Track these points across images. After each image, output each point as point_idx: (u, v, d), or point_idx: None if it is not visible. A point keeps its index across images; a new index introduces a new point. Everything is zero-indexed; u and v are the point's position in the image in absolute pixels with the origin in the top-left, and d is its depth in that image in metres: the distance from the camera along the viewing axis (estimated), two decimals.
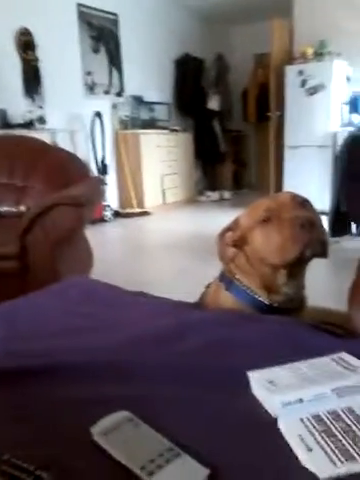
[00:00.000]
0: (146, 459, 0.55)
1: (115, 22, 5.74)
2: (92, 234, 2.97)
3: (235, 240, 1.06)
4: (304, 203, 1.00)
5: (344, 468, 0.53)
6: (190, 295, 1.24)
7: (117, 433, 0.60)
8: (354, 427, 0.60)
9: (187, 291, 1.33)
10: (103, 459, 0.57)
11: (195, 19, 7.07)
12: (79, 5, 5.22)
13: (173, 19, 6.66)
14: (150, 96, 6.21)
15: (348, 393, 0.65)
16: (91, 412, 0.63)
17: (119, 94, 5.88)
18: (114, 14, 5.69)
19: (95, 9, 5.43)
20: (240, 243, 1.05)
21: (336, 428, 0.59)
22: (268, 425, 0.62)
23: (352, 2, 5.45)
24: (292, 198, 1.00)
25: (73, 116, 5.20)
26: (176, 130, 6.40)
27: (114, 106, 5.81)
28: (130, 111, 5.93)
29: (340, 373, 0.70)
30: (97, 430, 0.60)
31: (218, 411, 0.66)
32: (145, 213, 5.75)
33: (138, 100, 6.05)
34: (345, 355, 0.75)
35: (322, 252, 0.97)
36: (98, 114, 5.31)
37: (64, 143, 4.63)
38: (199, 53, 6.96)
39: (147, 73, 6.27)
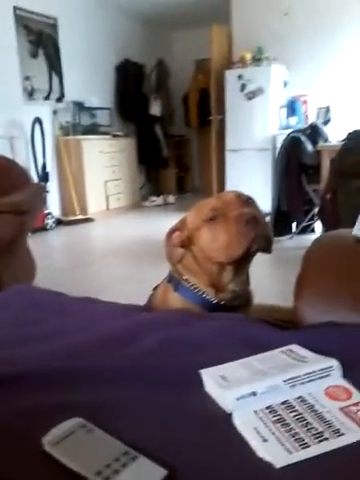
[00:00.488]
0: (101, 465, 0.54)
1: (54, 26, 5.63)
2: (34, 243, 2.88)
3: (182, 240, 1.06)
4: (248, 201, 1.03)
5: (299, 455, 0.54)
6: (138, 299, 1.23)
7: (69, 441, 0.58)
8: (306, 415, 0.61)
9: (135, 296, 1.32)
10: (56, 469, 0.55)
11: (135, 24, 7.08)
12: (16, 8, 5.07)
13: (113, 24, 6.62)
14: (91, 101, 6.13)
15: (299, 383, 0.67)
16: (44, 421, 0.61)
17: (59, 100, 5.77)
18: (53, 18, 5.58)
19: (33, 13, 5.29)
20: (187, 243, 1.06)
21: (289, 417, 0.61)
22: (223, 421, 0.62)
23: (284, 10, 5.67)
24: (237, 196, 1.02)
25: (12, 122, 5.05)
26: (118, 135, 6.36)
27: (55, 112, 5.68)
28: (71, 117, 5.83)
29: (291, 364, 0.71)
30: (48, 439, 0.58)
31: (173, 411, 0.65)
32: (88, 220, 5.66)
33: (79, 106, 5.96)
34: (294, 347, 0.77)
35: (267, 247, 1.00)
36: (38, 120, 5.18)
37: (3, 150, 4.47)
38: (140, 58, 6.96)
39: (88, 78, 6.20)
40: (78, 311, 1.01)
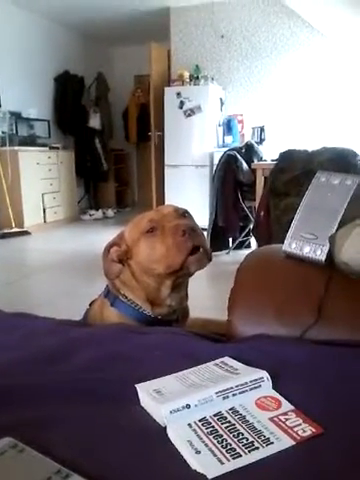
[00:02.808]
0: None
1: None
2: None
3: (120, 255, 1.07)
4: (185, 214, 1.05)
5: (230, 465, 0.55)
6: (75, 314, 1.22)
7: (0, 462, 0.56)
8: (238, 425, 0.63)
9: (71, 311, 1.31)
10: None
11: (76, 37, 7.05)
12: None
13: (54, 36, 6.56)
14: (29, 112, 6.00)
15: (231, 394, 0.69)
16: None
17: None
18: None
19: None
20: (125, 257, 1.06)
21: (222, 428, 0.62)
22: (158, 434, 0.63)
23: (220, 33, 5.89)
24: (174, 210, 1.05)
25: None
26: (57, 147, 6.26)
27: None
28: (8, 127, 5.66)
29: (223, 376, 0.73)
30: None
31: (107, 427, 0.65)
32: (24, 233, 5.50)
33: (16, 116, 5.81)
34: (227, 359, 0.79)
35: (205, 257, 1.02)
36: None
37: None
38: (79, 71, 6.92)
39: (26, 89, 6.08)
40: (11, 327, 0.98)
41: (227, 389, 0.69)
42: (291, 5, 5.23)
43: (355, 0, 4.06)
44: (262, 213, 3.11)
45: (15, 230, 5.46)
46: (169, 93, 5.61)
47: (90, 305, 1.23)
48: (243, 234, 4.36)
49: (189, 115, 5.53)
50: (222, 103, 5.88)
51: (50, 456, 0.57)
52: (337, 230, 1.00)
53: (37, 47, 6.25)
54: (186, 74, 5.65)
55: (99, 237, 4.82)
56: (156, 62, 5.83)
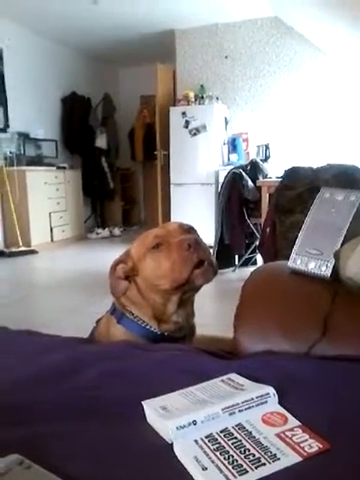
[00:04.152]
0: None
1: None
2: None
3: (127, 272, 1.08)
4: (190, 230, 1.07)
5: None
6: (82, 332, 1.22)
7: (6, 478, 0.57)
8: (244, 441, 0.63)
9: (78, 328, 1.31)
10: None
11: (83, 59, 7.18)
12: None
13: (61, 57, 6.69)
14: (37, 133, 6.10)
15: (237, 410, 0.69)
16: None
17: (4, 130, 5.69)
18: None
19: None
20: (132, 274, 1.07)
21: (228, 445, 0.62)
22: (164, 451, 0.63)
23: (225, 54, 5.99)
24: (179, 226, 1.07)
25: None
26: (64, 167, 6.33)
27: None
28: (16, 147, 5.75)
29: (229, 393, 0.73)
30: None
31: (113, 444, 0.65)
32: (32, 252, 5.53)
33: (24, 136, 5.90)
34: (233, 375, 0.79)
35: (210, 270, 1.03)
36: None
37: None
38: (86, 92, 7.04)
39: (34, 109, 6.18)
40: (17, 345, 0.99)
41: (233, 405, 0.69)
42: (294, 25, 5.32)
43: (355, 18, 4.12)
44: (268, 230, 3.12)
45: (22, 249, 5.50)
46: (174, 113, 5.68)
47: (97, 323, 1.23)
48: (249, 251, 4.36)
49: (194, 134, 5.58)
50: (227, 122, 5.94)
51: (57, 473, 0.57)
52: (342, 246, 1.01)
53: (45, 69, 6.37)
54: (191, 94, 5.73)
55: (106, 255, 4.84)
56: (162, 82, 5.92)
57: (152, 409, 0.70)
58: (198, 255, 0.98)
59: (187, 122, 5.59)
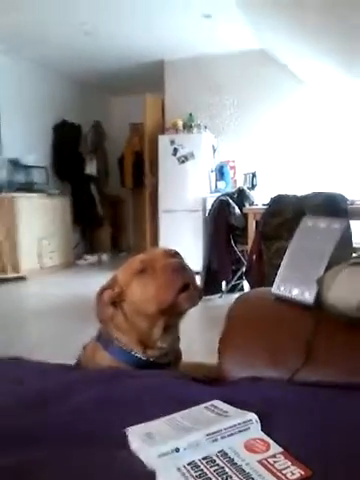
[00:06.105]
0: None
1: None
2: None
3: (113, 297, 1.09)
4: (175, 254, 1.09)
5: None
6: (69, 358, 1.22)
7: None
8: (227, 469, 0.63)
9: (66, 355, 1.30)
10: None
11: (74, 86, 7.30)
12: None
13: (52, 85, 6.79)
14: (27, 159, 6.13)
15: (220, 437, 0.69)
16: None
17: None
18: None
19: None
20: (118, 299, 1.08)
21: (210, 471, 0.62)
22: (146, 478, 0.63)
23: (213, 84, 6.14)
24: (164, 251, 1.09)
25: None
26: (54, 194, 6.35)
27: None
28: (6, 174, 5.77)
29: (213, 419, 0.73)
30: None
31: (98, 469, 0.65)
32: (21, 278, 5.49)
33: (14, 163, 5.93)
34: (217, 402, 0.79)
35: (195, 294, 1.04)
36: None
37: None
38: (77, 119, 7.13)
39: (25, 136, 6.24)
40: (3, 371, 0.98)
41: (216, 432, 0.69)
42: (279, 57, 5.48)
43: (335, 52, 4.28)
44: (254, 256, 3.15)
45: (11, 276, 5.46)
46: (163, 141, 5.77)
47: (83, 348, 1.23)
48: (236, 277, 4.37)
49: (183, 162, 5.66)
50: (214, 150, 6.04)
51: None
52: (325, 272, 1.03)
53: (36, 95, 6.46)
54: (180, 123, 5.83)
55: (94, 282, 4.79)
56: (151, 111, 6.03)
57: (136, 436, 0.70)
58: (183, 279, 1.00)
59: (175, 150, 5.68)
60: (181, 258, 1.11)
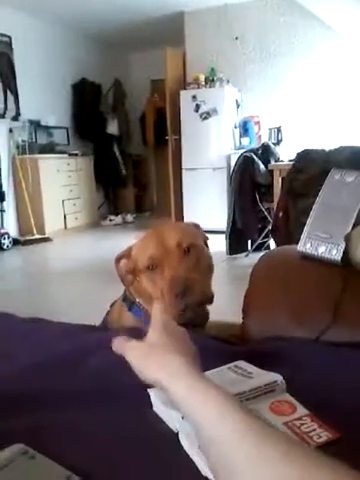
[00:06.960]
0: None
1: (8, 44, 5.58)
2: None
3: (129, 268, 1.07)
4: (190, 247, 1.00)
5: None
6: (95, 319, 1.22)
7: (10, 468, 0.56)
8: None
9: (92, 316, 1.31)
10: None
11: (93, 45, 7.13)
12: None
13: (70, 44, 6.65)
14: (48, 120, 6.09)
15: (245, 399, 0.67)
16: None
17: (15, 118, 5.69)
18: (7, 36, 5.54)
19: None
20: (134, 272, 1.06)
21: None
22: (169, 440, 0.62)
23: (235, 36, 5.88)
24: (178, 245, 0.99)
25: None
26: (76, 154, 6.33)
27: (10, 130, 5.61)
28: (27, 135, 5.76)
29: (237, 380, 0.71)
30: None
31: (120, 431, 0.64)
32: (46, 239, 5.57)
33: (36, 124, 5.91)
34: (241, 363, 0.78)
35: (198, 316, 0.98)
36: None
37: None
38: (96, 78, 7.00)
39: (45, 97, 6.17)
40: (26, 333, 0.99)
41: (240, 393, 0.67)
42: (306, 5, 5.18)
43: None
44: (280, 214, 3.08)
45: (36, 237, 5.54)
46: (185, 96, 5.62)
47: (111, 306, 1.23)
48: (262, 236, 4.32)
49: (205, 118, 5.52)
50: (238, 105, 5.86)
51: (62, 462, 0.57)
52: (353, 228, 0.98)
53: (54, 55, 6.33)
54: (201, 77, 5.65)
55: (119, 242, 4.83)
56: (171, 66, 5.85)
57: (158, 397, 0.69)
58: (185, 302, 0.92)
59: (197, 106, 5.53)
60: (197, 249, 1.01)
